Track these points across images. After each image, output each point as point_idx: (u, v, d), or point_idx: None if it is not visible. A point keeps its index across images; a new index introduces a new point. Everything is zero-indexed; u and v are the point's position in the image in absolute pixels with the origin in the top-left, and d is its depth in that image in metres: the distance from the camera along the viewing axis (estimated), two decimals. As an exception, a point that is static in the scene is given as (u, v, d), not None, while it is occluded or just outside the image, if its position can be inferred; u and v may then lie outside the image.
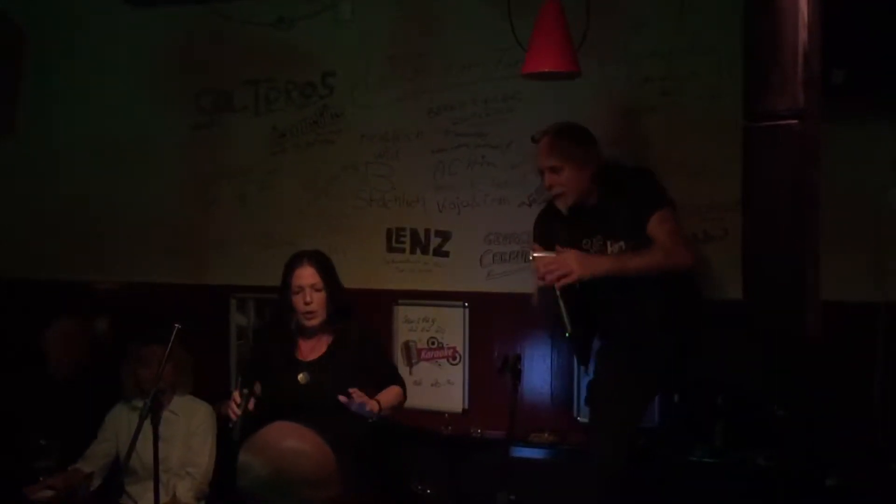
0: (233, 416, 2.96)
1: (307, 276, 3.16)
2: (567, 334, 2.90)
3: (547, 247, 3.06)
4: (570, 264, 2.88)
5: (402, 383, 3.31)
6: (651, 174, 3.18)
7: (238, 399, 2.98)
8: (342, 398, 2.97)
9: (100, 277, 4.67)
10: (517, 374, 2.79)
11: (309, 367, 3.18)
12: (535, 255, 2.97)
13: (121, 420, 3.67)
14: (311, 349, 3.23)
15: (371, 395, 3.09)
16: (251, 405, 2.98)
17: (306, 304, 3.13)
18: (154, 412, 3.48)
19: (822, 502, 3.11)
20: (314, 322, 3.18)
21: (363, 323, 3.37)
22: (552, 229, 3.19)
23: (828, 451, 3.17)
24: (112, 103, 4.61)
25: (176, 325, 3.06)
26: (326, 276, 3.20)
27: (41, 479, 3.36)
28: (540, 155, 3.15)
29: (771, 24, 1.89)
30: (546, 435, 3.79)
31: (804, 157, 1.89)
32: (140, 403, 3.49)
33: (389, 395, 3.20)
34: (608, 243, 3.10)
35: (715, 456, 3.43)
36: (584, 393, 3.80)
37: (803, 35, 1.84)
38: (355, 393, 2.97)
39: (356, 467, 3.07)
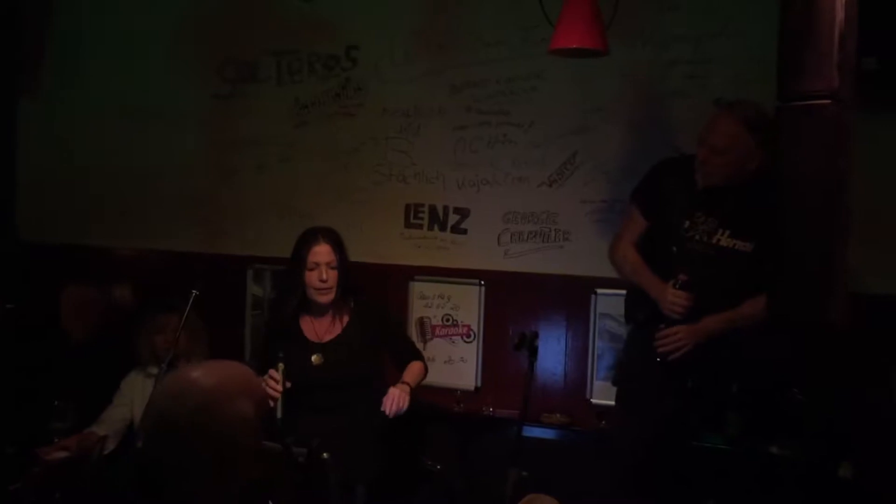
0: (275, 395, 2.91)
1: (324, 253, 3.11)
2: (658, 360, 3.02)
3: (651, 207, 3.10)
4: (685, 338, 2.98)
5: (422, 357, 3.28)
6: None
7: (277, 377, 2.96)
8: (383, 411, 2.97)
9: (118, 244, 4.69)
10: (534, 352, 2.77)
11: (324, 348, 3.15)
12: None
13: (136, 386, 3.70)
14: (327, 329, 3.19)
15: (393, 374, 3.11)
16: (288, 383, 2.96)
17: (322, 280, 3.08)
18: (169, 378, 3.51)
19: (834, 492, 3.09)
20: (327, 298, 3.13)
21: (381, 301, 3.35)
22: (670, 185, 3.08)
23: (843, 442, 3.16)
24: (136, 70, 4.62)
25: (194, 291, 3.07)
26: (341, 254, 3.16)
27: (55, 440, 3.39)
28: (711, 127, 2.94)
29: (808, 3, 1.85)
30: (557, 416, 3.79)
31: (836, 140, 1.86)
32: (155, 370, 3.52)
33: (414, 373, 3.16)
34: (720, 230, 2.99)
35: (728, 443, 3.41)
36: (598, 374, 3.80)
37: (840, 15, 1.81)
38: (388, 405, 2.96)
39: (371, 445, 3.11)
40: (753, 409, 3.36)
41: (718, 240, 3.00)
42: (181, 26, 4.54)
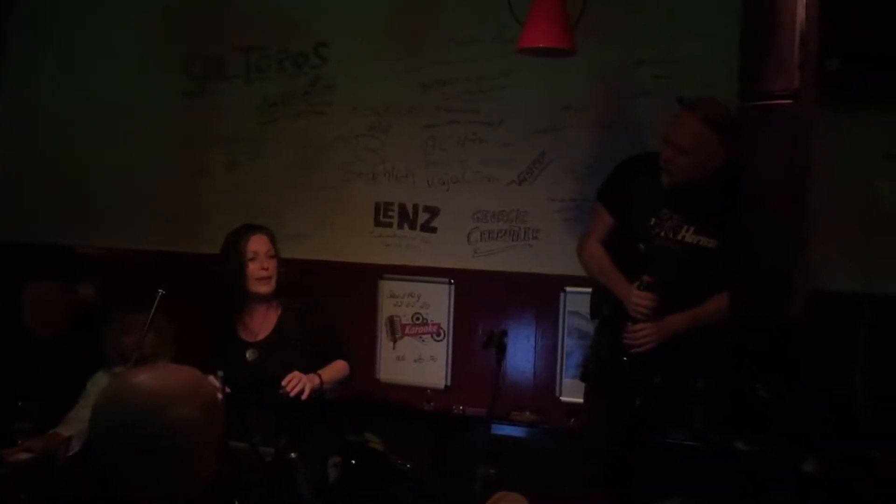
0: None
1: (262, 243, 3.16)
2: (625, 358, 3.04)
3: (617, 205, 3.12)
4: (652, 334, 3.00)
5: (349, 357, 3.29)
6: None
7: (217, 384, 2.96)
8: (281, 391, 2.98)
9: (84, 242, 4.64)
10: (502, 350, 2.78)
11: (258, 346, 3.18)
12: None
13: (102, 386, 3.64)
14: (260, 326, 3.22)
15: (318, 367, 3.12)
16: (227, 389, 2.95)
17: (264, 269, 3.12)
18: (135, 378, 3.47)
19: (799, 487, 3.13)
20: (268, 289, 3.17)
21: (312, 293, 3.34)
22: (636, 182, 3.11)
23: (807, 437, 3.20)
24: (100, 66, 4.57)
25: (160, 290, 3.04)
26: (275, 246, 3.21)
27: (20, 441, 3.34)
28: (675, 127, 2.96)
29: (769, 4, 1.87)
30: (527, 413, 3.80)
31: (797, 140, 1.88)
32: (120, 370, 3.48)
33: (332, 369, 3.18)
34: (685, 227, 3.03)
35: (694, 439, 3.44)
36: (567, 373, 3.82)
37: (801, 15, 1.83)
38: (290, 383, 2.97)
39: (311, 440, 3.10)
40: (719, 406, 3.40)
41: (684, 236, 3.03)
42: (147, 21, 4.49)
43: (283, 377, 3.05)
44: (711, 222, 2.99)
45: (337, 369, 3.22)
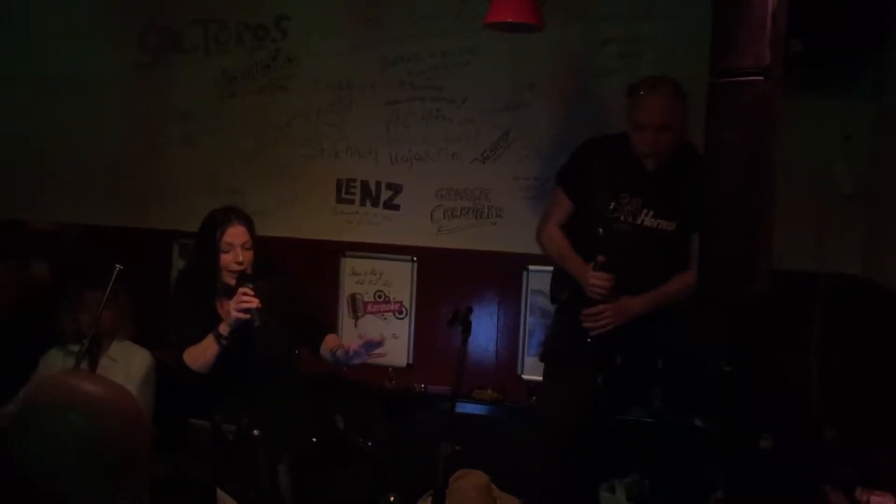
0: (255, 305, 2.85)
1: (239, 234, 2.99)
2: (588, 340, 3.05)
3: (576, 189, 3.13)
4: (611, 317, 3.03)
5: (335, 330, 3.28)
6: None
7: (250, 291, 2.87)
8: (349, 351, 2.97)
9: (38, 218, 4.51)
10: (467, 327, 2.78)
11: None
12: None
13: (56, 364, 3.57)
14: None
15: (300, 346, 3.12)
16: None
17: (239, 263, 2.98)
18: (91, 357, 3.42)
19: (756, 463, 3.19)
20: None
21: (285, 274, 3.24)
22: (595, 166, 3.13)
23: (764, 414, 3.26)
24: (53, 38, 4.41)
25: (117, 266, 2.97)
26: (253, 234, 3.06)
27: (-30, 420, 3.26)
28: (646, 111, 2.97)
29: (741, -19, 1.88)
30: (489, 392, 3.82)
31: (765, 116, 1.89)
32: (76, 348, 3.41)
33: (337, 344, 3.15)
34: (644, 211, 3.05)
35: (653, 417, 3.49)
36: (529, 351, 3.83)
37: (772, -7, 1.84)
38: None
39: (296, 422, 3.07)
40: (678, 384, 3.45)
41: (643, 220, 3.06)
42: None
43: (271, 361, 3.00)
44: (670, 206, 3.03)
45: (340, 345, 3.15)
